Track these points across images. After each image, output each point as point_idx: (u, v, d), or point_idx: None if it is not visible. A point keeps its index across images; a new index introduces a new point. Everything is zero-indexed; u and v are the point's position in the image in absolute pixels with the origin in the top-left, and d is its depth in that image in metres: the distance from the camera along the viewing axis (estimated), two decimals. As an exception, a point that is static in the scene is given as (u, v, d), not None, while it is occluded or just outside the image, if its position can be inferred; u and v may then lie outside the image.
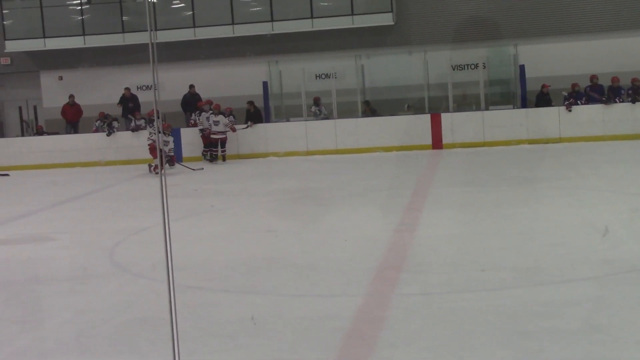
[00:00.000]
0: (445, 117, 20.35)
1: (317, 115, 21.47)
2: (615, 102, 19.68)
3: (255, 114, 21.61)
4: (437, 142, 20.22)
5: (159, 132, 18.24)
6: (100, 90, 23.65)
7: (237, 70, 23.34)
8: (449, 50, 21.83)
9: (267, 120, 22.11)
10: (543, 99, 20.47)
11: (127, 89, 22.60)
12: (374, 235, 9.85)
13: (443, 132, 20.22)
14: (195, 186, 15.76)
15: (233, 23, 23.05)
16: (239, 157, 20.51)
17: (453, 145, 20.00)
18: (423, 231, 10.11)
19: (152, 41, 3.92)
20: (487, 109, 20.64)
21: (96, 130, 21.94)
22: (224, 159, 20.29)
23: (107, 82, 23.69)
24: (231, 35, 23.10)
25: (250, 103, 21.64)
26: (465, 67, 22.08)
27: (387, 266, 8.35)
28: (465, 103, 21.52)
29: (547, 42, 21.88)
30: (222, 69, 23.43)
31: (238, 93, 22.48)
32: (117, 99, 22.65)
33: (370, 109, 21.82)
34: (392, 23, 22.61)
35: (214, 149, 20.36)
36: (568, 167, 15.66)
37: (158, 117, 4.38)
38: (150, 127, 19.90)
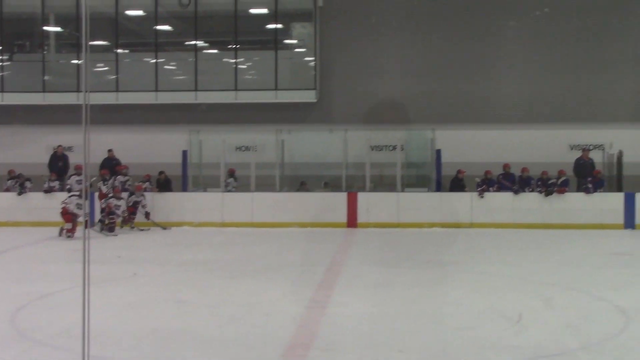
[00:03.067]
0: (362, 197, 20.64)
1: (227, 187, 21.39)
2: (525, 191, 20.33)
3: (165, 183, 21.49)
4: (352, 221, 20.45)
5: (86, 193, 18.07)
6: (15, 148, 23.21)
7: (158, 137, 23.31)
8: (368, 130, 22.29)
9: (184, 190, 22.00)
10: (457, 184, 21.00)
11: (59, 146, 22.16)
12: (286, 311, 9.84)
13: (358, 211, 20.48)
14: (107, 253, 15.48)
15: (157, 90, 23.09)
16: (153, 225, 20.26)
17: (368, 225, 20.25)
18: (334, 309, 10.15)
19: (86, 102, 3.94)
20: (402, 190, 21.03)
21: (7, 190, 21.43)
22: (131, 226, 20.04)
23: (23, 141, 23.28)
24: (154, 102, 23.12)
25: (161, 173, 21.53)
26: (384, 148, 22.53)
27: (297, 343, 8.34)
28: (382, 183, 21.88)
29: (464, 129, 22.58)
30: (142, 135, 23.34)
31: (157, 160, 22.36)
32: (33, 158, 22.24)
33: (306, 189, 21.91)
34: (315, 100, 23.04)
35: (112, 216, 19.66)
36: (478, 252, 16.02)
37: (86, 179, 4.35)
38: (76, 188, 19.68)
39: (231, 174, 21.62)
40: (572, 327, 9.24)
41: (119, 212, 19.36)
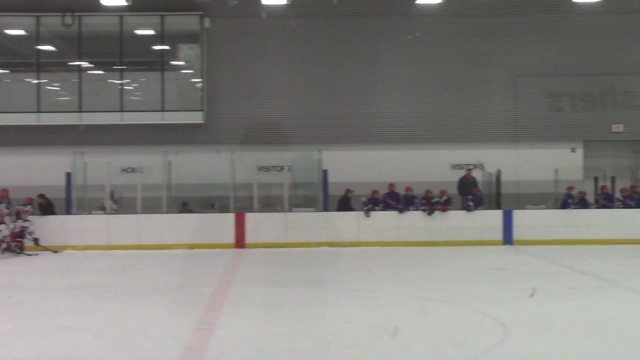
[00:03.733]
0: (250, 217, 20.67)
1: (105, 210, 21.02)
2: (409, 210, 20.83)
3: (46, 207, 20.95)
4: (240, 241, 20.44)
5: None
6: None
7: (40, 160, 22.71)
8: (256, 151, 22.40)
9: (69, 212, 21.47)
10: (345, 204, 21.33)
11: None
12: (174, 333, 9.77)
13: (246, 232, 20.49)
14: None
15: (39, 111, 22.52)
16: (43, 249, 19.66)
17: (256, 245, 20.28)
18: (222, 331, 10.13)
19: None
20: (290, 210, 21.19)
21: None
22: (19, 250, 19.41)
23: None
24: (36, 123, 22.53)
25: (41, 196, 20.98)
26: (271, 168, 22.66)
27: (185, 365, 8.30)
28: (270, 204, 21.99)
29: (350, 149, 22.99)
30: (24, 158, 22.69)
31: (40, 183, 21.78)
32: None
33: (187, 210, 21.74)
34: (202, 122, 22.98)
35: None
36: (364, 270, 16.30)
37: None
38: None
39: (111, 196, 21.21)
40: (454, 340, 9.53)
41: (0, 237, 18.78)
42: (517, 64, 23.20)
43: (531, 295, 12.69)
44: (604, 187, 21.80)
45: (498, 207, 21.50)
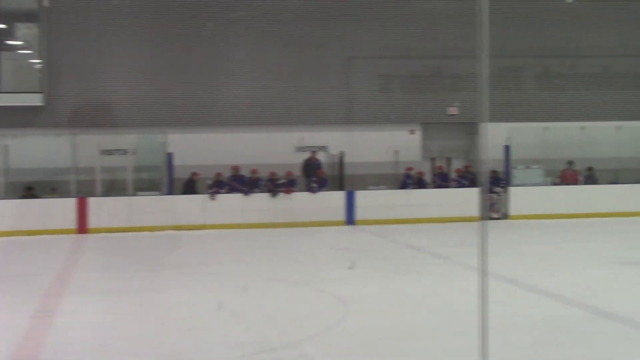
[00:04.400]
0: (92, 202, 20.24)
1: None
2: (254, 192, 21.01)
3: None
4: (82, 227, 19.99)
5: None
6: None
7: None
8: (98, 134, 21.87)
9: None
10: (190, 187, 21.24)
11: None
12: (10, 323, 9.50)
13: (89, 217, 20.05)
14: None
15: None
16: None
17: (98, 230, 19.89)
18: (62, 318, 9.95)
19: None
20: (134, 194, 20.88)
21: None
22: None
23: None
24: None
25: None
26: (114, 152, 22.21)
27: (23, 356, 8.11)
28: (113, 188, 21.58)
29: (195, 132, 22.84)
30: None
31: None
32: None
33: (32, 195, 20.91)
34: (42, 104, 22.17)
35: None
36: (210, 253, 16.37)
37: None
38: None
39: None
40: (297, 320, 9.79)
41: None
42: (353, 47, 23.62)
43: (350, 268, 13.30)
44: (440, 168, 22.80)
45: (341, 189, 22.05)
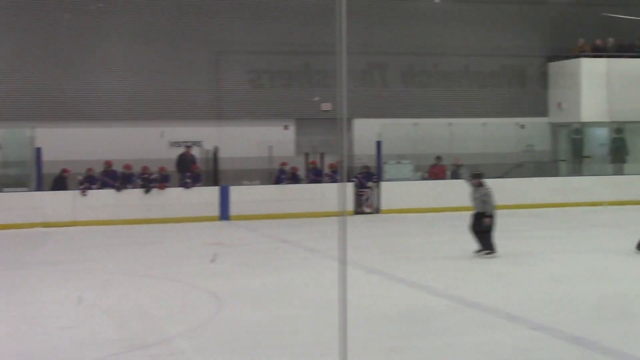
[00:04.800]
0: (-45, 199, 19.43)
1: None
2: (127, 188, 20.69)
3: None
4: (-56, 225, 19.17)
5: None
6: None
7: None
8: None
9: None
10: (60, 183, 20.68)
11: None
12: None
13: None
14: None
15: None
16: None
17: (-38, 228, 19.13)
18: None
19: None
20: (1, 190, 20.17)
21: None
22: None
23: None
24: None
25: None
26: (-21, 147, 21.39)
27: None
28: (-23, 184, 20.80)
29: (66, 126, 22.25)
30: None
31: None
32: None
33: None
34: None
35: None
36: (81, 250, 16.03)
37: None
38: None
39: None
40: (170, 316, 9.80)
41: None
42: (223, 41, 23.54)
43: (212, 261, 13.44)
44: (313, 163, 23.11)
45: (215, 184, 22.01)
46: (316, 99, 23.56)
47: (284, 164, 22.43)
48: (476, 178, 14.69)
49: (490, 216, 14.16)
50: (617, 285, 11.47)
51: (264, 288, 11.58)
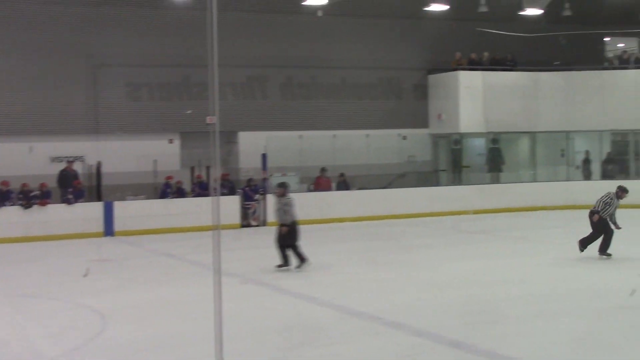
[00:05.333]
0: None
1: None
2: (6, 205, 20.05)
3: None
4: None
5: None
6: None
7: None
8: None
9: None
10: None
11: None
12: None
13: None
14: None
15: None
16: None
17: None
18: None
19: None
20: None
21: None
22: None
23: None
24: None
25: None
26: None
27: None
28: None
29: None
30: None
31: None
32: None
33: None
34: None
35: None
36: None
37: None
38: None
39: None
40: (53, 335, 9.60)
41: None
42: (101, 54, 23.15)
43: (85, 275, 13.34)
44: (199, 176, 23.02)
45: (99, 199, 21.61)
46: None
47: (169, 177, 22.25)
48: (280, 188, 14.57)
49: (288, 226, 14.03)
50: (492, 290, 11.97)
51: (149, 304, 11.50)
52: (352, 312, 10.57)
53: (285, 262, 14.14)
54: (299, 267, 14.12)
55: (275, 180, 23.12)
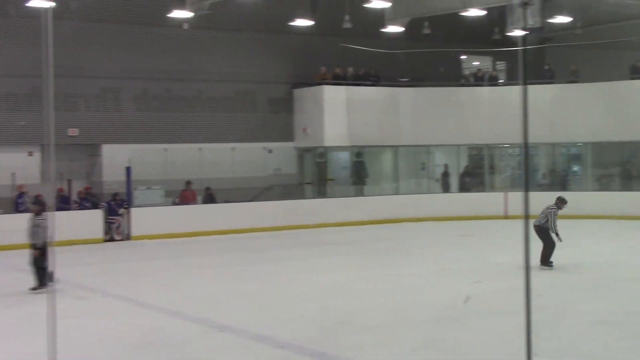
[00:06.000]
0: None
1: None
2: None
3: None
4: None
5: None
6: None
7: None
8: None
9: None
10: None
11: None
12: None
13: None
14: None
15: None
16: None
17: None
18: None
19: None
20: None
21: None
22: None
23: None
24: None
25: None
26: None
27: None
28: None
29: None
30: None
31: None
32: None
33: None
34: None
35: None
36: None
37: None
38: None
39: None
40: None
41: None
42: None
43: None
44: (60, 190, 22.38)
45: (-48, 214, 20.68)
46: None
47: (20, 187, 21.44)
48: (35, 205, 13.92)
49: (40, 248, 13.19)
50: (353, 300, 12.29)
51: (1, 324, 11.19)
52: (217, 326, 10.61)
53: (40, 284, 13.24)
54: (34, 289, 13.27)
55: (140, 194, 22.85)
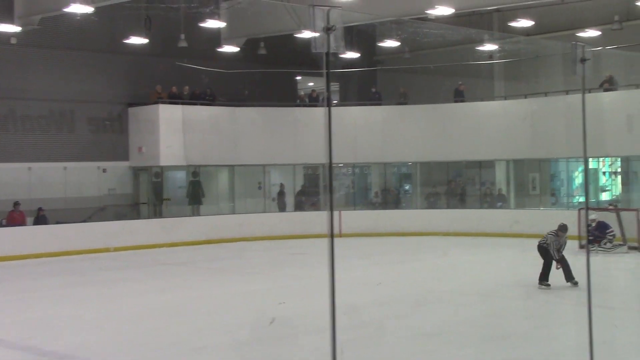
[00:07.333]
0: None
1: None
2: None
3: None
4: None
5: None
6: None
7: None
8: None
9: None
10: None
11: None
12: None
13: None
14: None
15: None
16: None
17: None
18: None
19: None
20: None
21: None
22: None
23: None
24: None
25: None
26: None
27: None
28: None
29: None
30: None
31: None
32: None
33: None
34: None
35: None
36: None
37: None
38: None
39: None
40: None
41: None
42: None
43: None
44: None
45: None
46: None
47: None
48: None
49: None
50: (185, 320, 12.32)
51: None
52: (42, 352, 10.33)
53: None
54: None
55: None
